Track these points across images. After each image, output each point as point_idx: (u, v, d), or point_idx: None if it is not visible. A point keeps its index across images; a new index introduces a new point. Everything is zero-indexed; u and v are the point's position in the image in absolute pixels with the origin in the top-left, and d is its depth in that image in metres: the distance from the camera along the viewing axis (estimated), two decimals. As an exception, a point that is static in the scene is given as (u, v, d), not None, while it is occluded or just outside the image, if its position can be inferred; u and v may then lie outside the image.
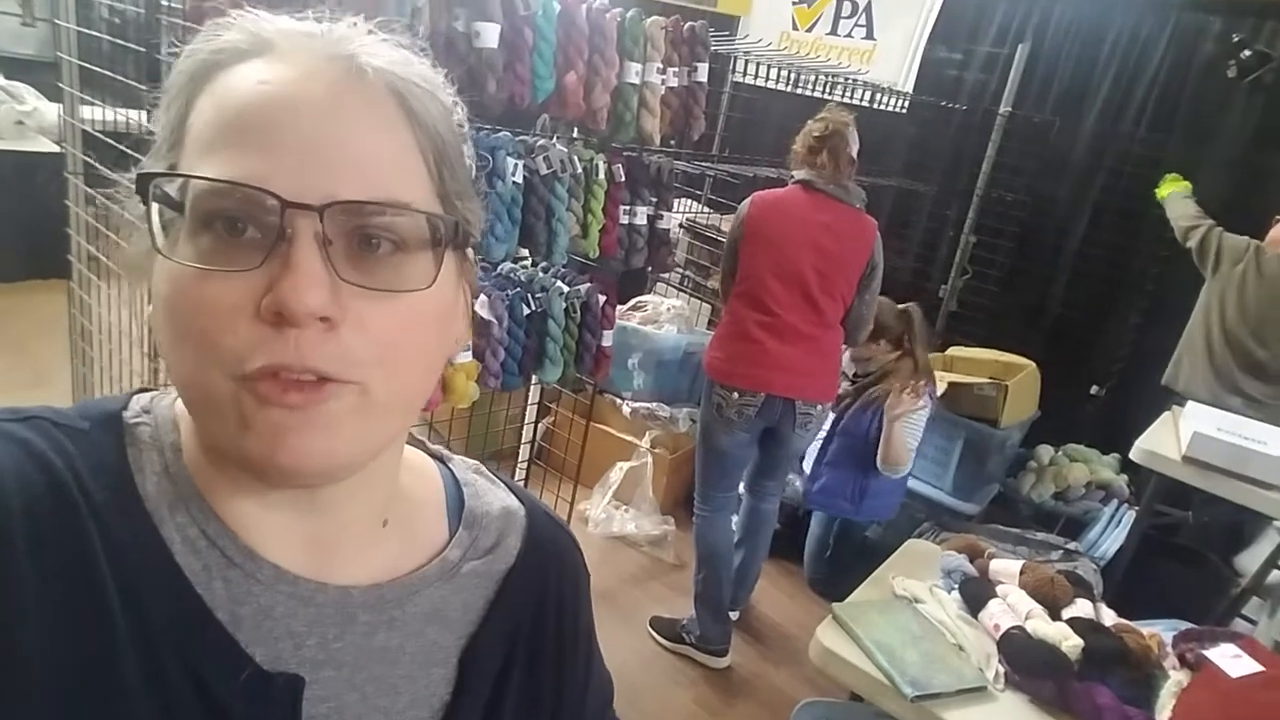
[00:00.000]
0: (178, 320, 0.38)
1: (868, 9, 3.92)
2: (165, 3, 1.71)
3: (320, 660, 0.43)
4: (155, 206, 0.39)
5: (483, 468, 0.59)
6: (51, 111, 3.81)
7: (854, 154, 2.22)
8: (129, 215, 0.44)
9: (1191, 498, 2.75)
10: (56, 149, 2.73)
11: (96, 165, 2.06)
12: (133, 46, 1.83)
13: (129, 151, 1.83)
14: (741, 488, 2.51)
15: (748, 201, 2.26)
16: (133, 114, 1.91)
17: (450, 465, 0.57)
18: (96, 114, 2.05)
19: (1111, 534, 2.79)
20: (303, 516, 0.44)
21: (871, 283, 2.29)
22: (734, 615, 2.56)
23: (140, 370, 2.02)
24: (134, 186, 0.39)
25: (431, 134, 0.43)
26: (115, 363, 2.15)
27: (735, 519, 2.52)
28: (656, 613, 2.57)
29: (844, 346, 2.41)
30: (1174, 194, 3.05)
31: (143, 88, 1.75)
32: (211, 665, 0.40)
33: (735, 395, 2.22)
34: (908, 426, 2.65)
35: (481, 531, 0.53)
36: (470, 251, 0.47)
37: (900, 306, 2.73)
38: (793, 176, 2.26)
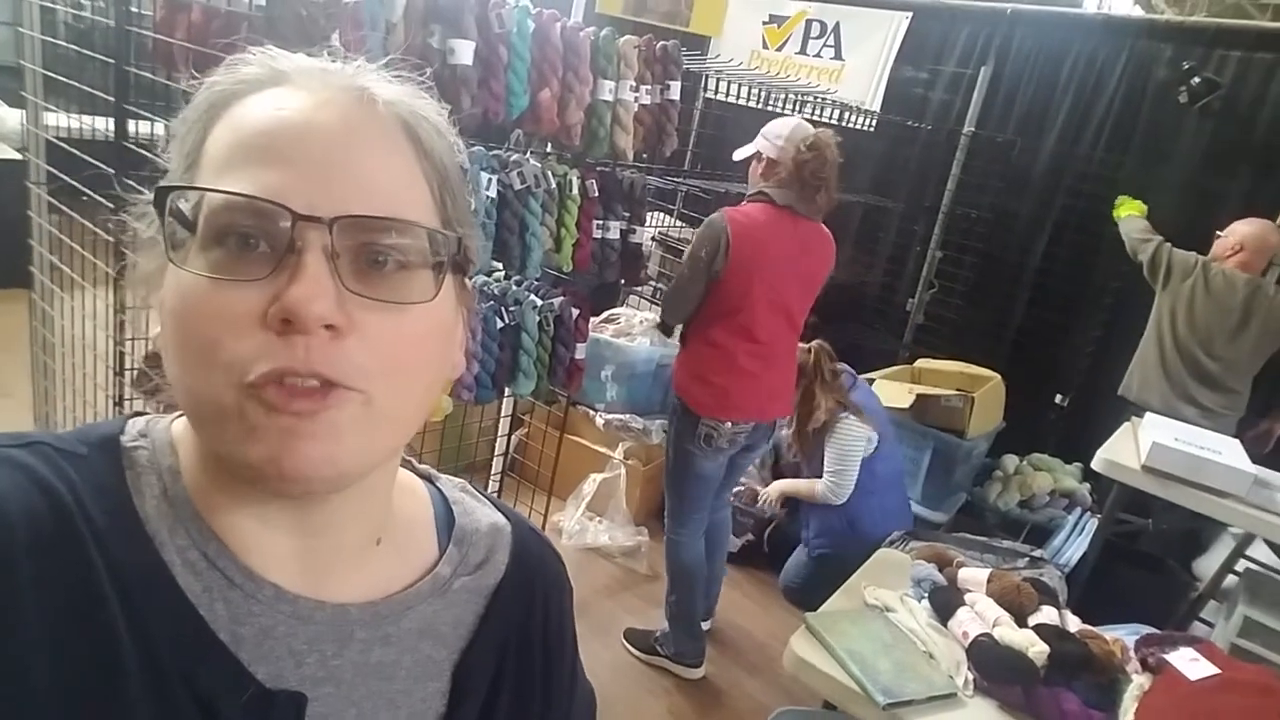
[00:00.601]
0: (185, 329, 0.39)
1: (836, 30, 4.00)
2: (135, 10, 1.69)
3: (320, 677, 0.44)
4: (169, 221, 0.40)
5: (469, 486, 0.60)
6: (13, 118, 3.74)
7: None
8: (133, 234, 0.45)
9: (1151, 505, 2.82)
10: (18, 156, 2.68)
11: (60, 175, 2.02)
12: (100, 57, 1.80)
13: (92, 161, 1.81)
14: None
15: (724, 221, 2.06)
16: (98, 122, 1.88)
17: (439, 484, 0.59)
18: (60, 121, 2.02)
19: (1075, 541, 2.86)
20: (301, 535, 0.45)
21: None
22: (706, 626, 2.58)
23: (104, 384, 1.98)
24: (151, 201, 0.41)
25: (437, 163, 0.45)
26: (78, 375, 2.10)
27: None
28: (630, 624, 2.57)
29: None
30: (1129, 215, 3.16)
31: (110, 98, 1.73)
32: (215, 686, 0.41)
33: (729, 425, 2.17)
34: (836, 451, 2.65)
35: (471, 548, 0.55)
36: (469, 281, 0.49)
37: (805, 345, 2.63)
38: (762, 189, 2.13)
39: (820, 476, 2.71)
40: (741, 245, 2.05)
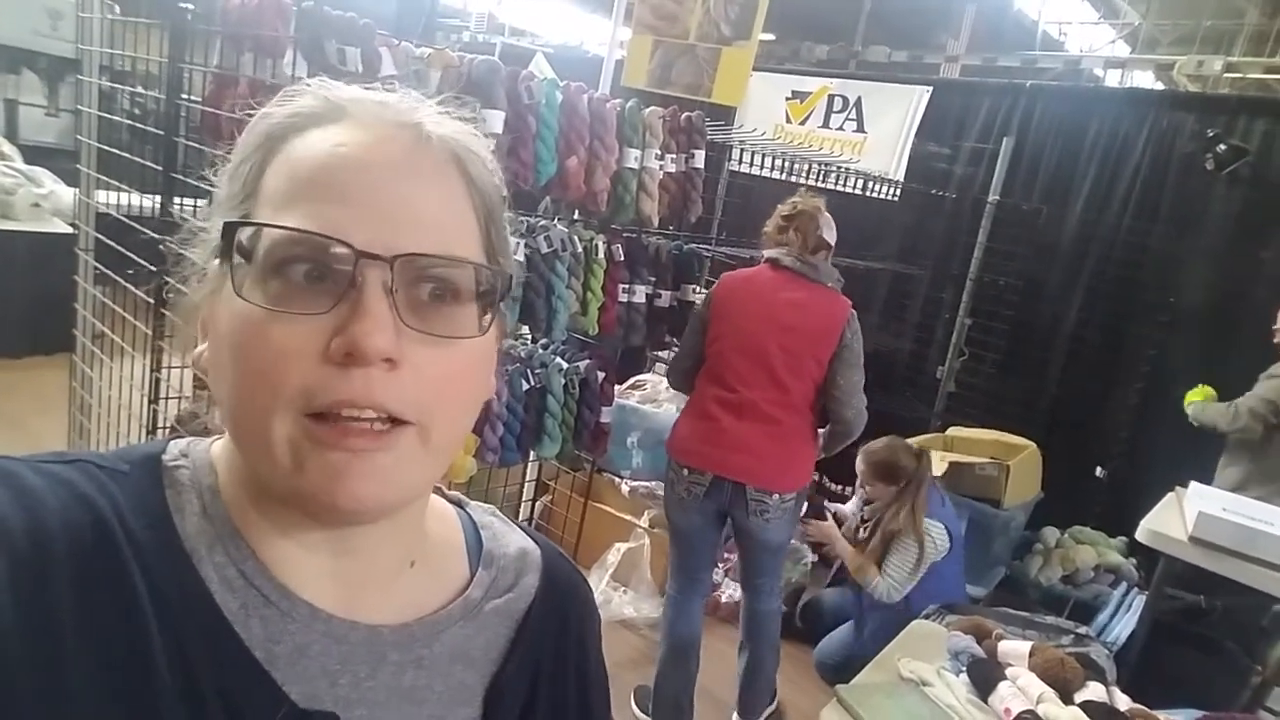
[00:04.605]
0: (243, 359, 0.41)
1: (858, 104, 4.10)
2: (185, 96, 1.79)
3: (353, 699, 0.45)
4: (230, 251, 0.42)
5: (498, 512, 0.61)
6: (68, 195, 3.94)
7: (827, 237, 2.15)
8: (191, 258, 0.47)
9: (1209, 582, 2.66)
10: (70, 230, 2.81)
11: (108, 241, 2.11)
12: (153, 130, 1.90)
13: (139, 228, 1.89)
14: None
15: (718, 281, 2.20)
16: (147, 199, 1.96)
17: (468, 510, 0.60)
18: (112, 197, 2.11)
19: (1122, 619, 2.71)
20: (337, 557, 0.46)
21: (844, 365, 2.09)
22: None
23: (138, 442, 2.01)
24: (219, 233, 0.42)
25: (485, 196, 0.47)
26: (112, 436, 2.14)
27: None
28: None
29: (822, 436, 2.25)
30: (1199, 404, 2.97)
31: (159, 168, 1.82)
32: (250, 703, 0.41)
33: (685, 472, 2.12)
34: (903, 559, 2.55)
35: (500, 571, 0.55)
36: (504, 309, 0.51)
37: (915, 447, 2.60)
38: (766, 255, 2.19)
39: (873, 560, 2.60)
40: (720, 292, 2.16)
